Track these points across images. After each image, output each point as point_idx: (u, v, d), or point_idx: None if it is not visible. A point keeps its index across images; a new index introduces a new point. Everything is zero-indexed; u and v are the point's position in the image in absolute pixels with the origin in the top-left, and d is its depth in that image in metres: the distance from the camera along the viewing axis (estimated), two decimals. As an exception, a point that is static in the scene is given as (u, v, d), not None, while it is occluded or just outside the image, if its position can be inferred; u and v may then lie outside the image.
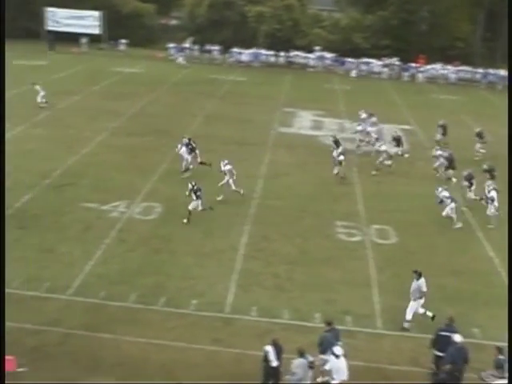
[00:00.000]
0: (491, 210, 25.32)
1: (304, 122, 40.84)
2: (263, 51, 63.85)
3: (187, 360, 16.08)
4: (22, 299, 18.29)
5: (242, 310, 18.45)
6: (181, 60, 62.12)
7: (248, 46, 64.04)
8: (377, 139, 32.98)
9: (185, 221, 23.82)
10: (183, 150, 28.82)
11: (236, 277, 20.29)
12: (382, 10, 64.19)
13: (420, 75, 60.75)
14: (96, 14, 67.04)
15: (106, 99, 43.73)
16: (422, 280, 17.85)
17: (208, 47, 64.60)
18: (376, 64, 61.65)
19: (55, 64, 57.07)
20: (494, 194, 25.41)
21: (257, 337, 16.08)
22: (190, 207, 23.88)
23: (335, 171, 29.65)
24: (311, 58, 63.20)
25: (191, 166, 28.95)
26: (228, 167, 26.39)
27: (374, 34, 64.29)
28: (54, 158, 30.08)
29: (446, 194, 25.21)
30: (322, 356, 15.04)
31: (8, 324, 16.80)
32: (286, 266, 21.25)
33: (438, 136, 35.84)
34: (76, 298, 18.60)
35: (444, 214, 25.01)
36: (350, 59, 61.93)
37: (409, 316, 17.94)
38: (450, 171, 29.69)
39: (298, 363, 14.45)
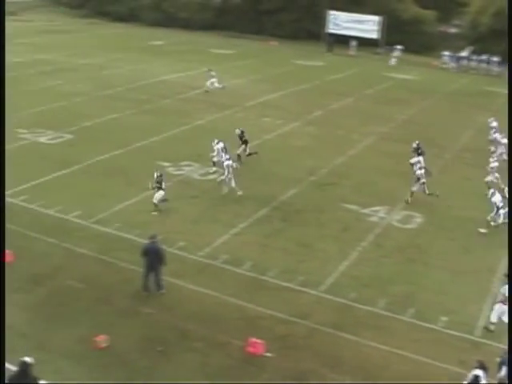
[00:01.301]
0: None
1: None
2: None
3: (428, 376, 15.72)
4: (277, 288, 19.18)
5: (493, 336, 17.57)
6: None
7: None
8: (493, 152, 30.30)
9: (154, 213, 23.37)
10: (219, 146, 27.68)
11: (491, 300, 19.42)
12: None
13: None
14: (376, 18, 67.68)
15: (378, 104, 44.10)
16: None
17: (486, 57, 62.24)
18: None
19: (331, 65, 58.79)
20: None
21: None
22: (155, 200, 23.41)
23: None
24: None
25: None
26: (229, 162, 25.50)
27: None
28: (321, 157, 31.09)
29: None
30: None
31: (262, 310, 17.92)
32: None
33: None
34: (327, 295, 19.04)
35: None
36: None
37: (493, 319, 17.61)
38: None
39: None
